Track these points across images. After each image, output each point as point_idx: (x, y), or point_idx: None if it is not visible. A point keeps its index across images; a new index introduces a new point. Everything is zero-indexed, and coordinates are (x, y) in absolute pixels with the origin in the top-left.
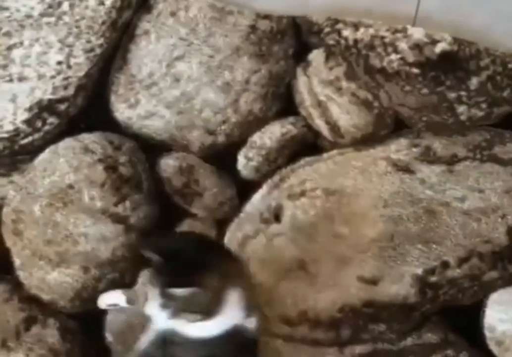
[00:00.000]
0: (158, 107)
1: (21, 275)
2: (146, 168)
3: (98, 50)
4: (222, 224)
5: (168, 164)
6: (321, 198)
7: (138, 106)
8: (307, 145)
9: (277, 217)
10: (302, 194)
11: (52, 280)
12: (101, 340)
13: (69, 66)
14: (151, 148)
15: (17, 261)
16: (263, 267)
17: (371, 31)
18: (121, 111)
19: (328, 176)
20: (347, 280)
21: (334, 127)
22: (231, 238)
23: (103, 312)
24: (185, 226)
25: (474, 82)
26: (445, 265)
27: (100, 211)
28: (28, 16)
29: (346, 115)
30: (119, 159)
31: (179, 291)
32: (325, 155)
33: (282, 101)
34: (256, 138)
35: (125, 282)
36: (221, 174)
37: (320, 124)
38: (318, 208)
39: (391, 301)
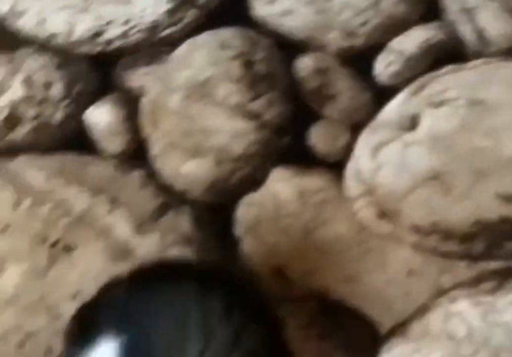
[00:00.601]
0: (297, 5)
1: (157, 163)
2: (282, 66)
3: None
4: (356, 129)
5: (304, 64)
6: (463, 108)
7: (276, 3)
8: (451, 52)
9: (414, 125)
10: (443, 102)
11: (186, 171)
12: (232, 232)
13: None
14: (287, 47)
15: (153, 150)
16: (396, 174)
17: None
18: (259, 8)
19: (471, 86)
20: (484, 194)
21: (481, 35)
22: (364, 143)
23: (235, 206)
24: (318, 127)
25: None
26: None
27: (235, 106)
28: None
29: (495, 23)
30: (256, 56)
31: None
32: (469, 64)
33: (427, 5)
34: (397, 43)
35: (256, 178)
36: (358, 78)
37: (466, 31)
38: (458, 118)
39: None
